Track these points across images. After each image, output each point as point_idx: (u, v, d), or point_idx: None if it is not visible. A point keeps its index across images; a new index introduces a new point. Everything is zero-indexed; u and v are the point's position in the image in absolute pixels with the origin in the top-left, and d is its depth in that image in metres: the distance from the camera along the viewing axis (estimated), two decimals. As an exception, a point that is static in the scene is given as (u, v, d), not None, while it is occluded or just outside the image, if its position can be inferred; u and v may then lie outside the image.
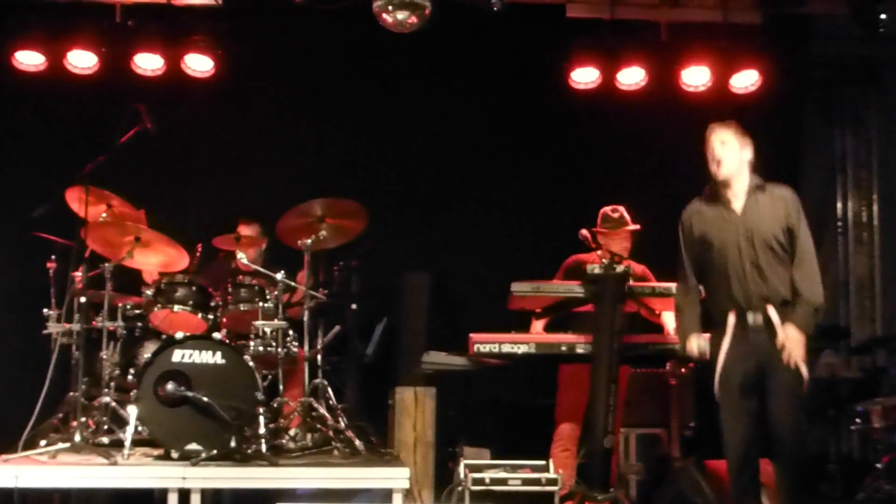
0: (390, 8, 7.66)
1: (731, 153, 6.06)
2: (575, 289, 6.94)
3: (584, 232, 7.32)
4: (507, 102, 9.63)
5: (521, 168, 9.69)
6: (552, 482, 6.46)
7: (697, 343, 6.20)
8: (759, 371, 5.95)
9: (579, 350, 6.88)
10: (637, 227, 7.57)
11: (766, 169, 6.22)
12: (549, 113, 9.60)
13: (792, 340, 5.83)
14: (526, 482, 6.47)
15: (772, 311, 5.93)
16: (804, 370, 5.88)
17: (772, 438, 5.96)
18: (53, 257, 7.67)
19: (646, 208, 7.73)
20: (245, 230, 8.03)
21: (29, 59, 8.95)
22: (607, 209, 7.62)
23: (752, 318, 5.97)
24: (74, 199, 7.43)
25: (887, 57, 10.48)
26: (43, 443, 6.78)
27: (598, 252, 7.27)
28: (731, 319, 6.03)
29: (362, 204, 7.62)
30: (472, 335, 6.88)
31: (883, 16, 8.35)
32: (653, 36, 9.27)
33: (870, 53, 10.50)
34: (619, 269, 6.73)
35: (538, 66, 9.40)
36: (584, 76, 9.29)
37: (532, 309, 7.37)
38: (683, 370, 7.55)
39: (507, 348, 6.85)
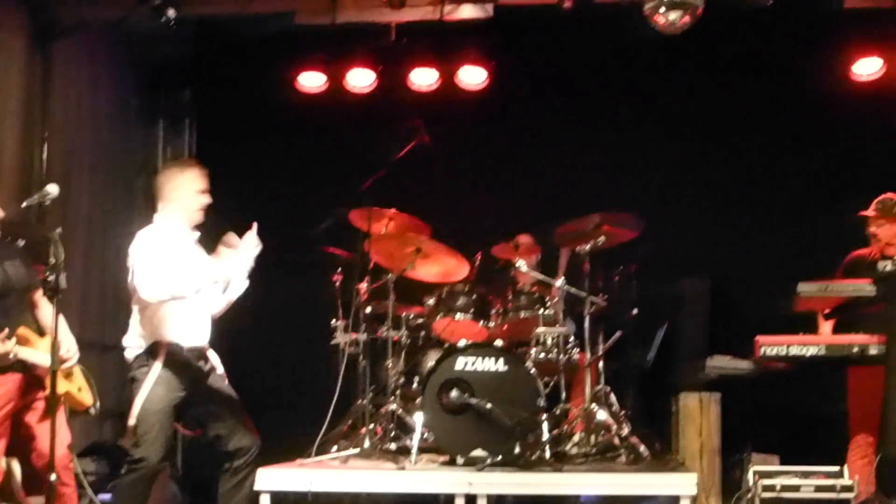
0: (662, 9, 7.50)
1: None
2: (865, 288, 6.67)
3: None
4: (780, 99, 9.32)
5: (797, 166, 9.35)
6: (847, 489, 6.17)
7: None
8: None
9: (872, 351, 6.58)
10: None
11: None
12: (826, 107, 9.23)
13: None
14: (819, 489, 6.21)
15: None
16: None
17: None
18: (339, 270, 7.96)
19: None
20: (523, 238, 8.07)
21: (311, 82, 9.39)
22: (887, 195, 7.25)
23: None
24: (357, 214, 7.69)
25: None
26: (334, 448, 7.04)
27: (878, 246, 6.98)
28: None
29: (639, 211, 7.55)
30: (758, 337, 6.68)
31: None
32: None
33: None
34: (914, 265, 6.45)
35: (813, 60, 9.05)
36: (866, 67, 8.97)
37: (819, 310, 7.14)
38: None
39: (794, 350, 6.62)
